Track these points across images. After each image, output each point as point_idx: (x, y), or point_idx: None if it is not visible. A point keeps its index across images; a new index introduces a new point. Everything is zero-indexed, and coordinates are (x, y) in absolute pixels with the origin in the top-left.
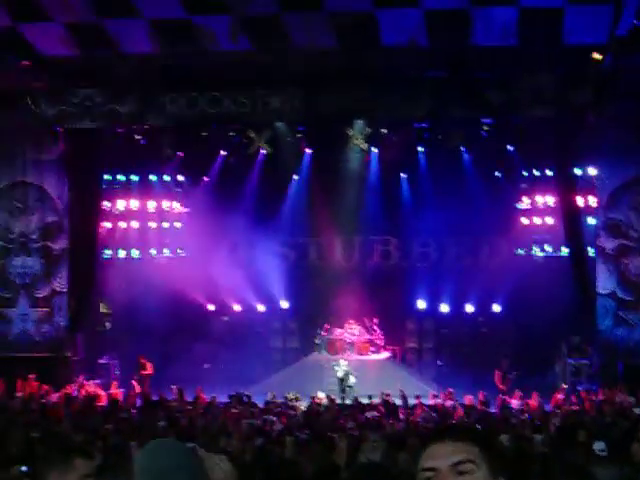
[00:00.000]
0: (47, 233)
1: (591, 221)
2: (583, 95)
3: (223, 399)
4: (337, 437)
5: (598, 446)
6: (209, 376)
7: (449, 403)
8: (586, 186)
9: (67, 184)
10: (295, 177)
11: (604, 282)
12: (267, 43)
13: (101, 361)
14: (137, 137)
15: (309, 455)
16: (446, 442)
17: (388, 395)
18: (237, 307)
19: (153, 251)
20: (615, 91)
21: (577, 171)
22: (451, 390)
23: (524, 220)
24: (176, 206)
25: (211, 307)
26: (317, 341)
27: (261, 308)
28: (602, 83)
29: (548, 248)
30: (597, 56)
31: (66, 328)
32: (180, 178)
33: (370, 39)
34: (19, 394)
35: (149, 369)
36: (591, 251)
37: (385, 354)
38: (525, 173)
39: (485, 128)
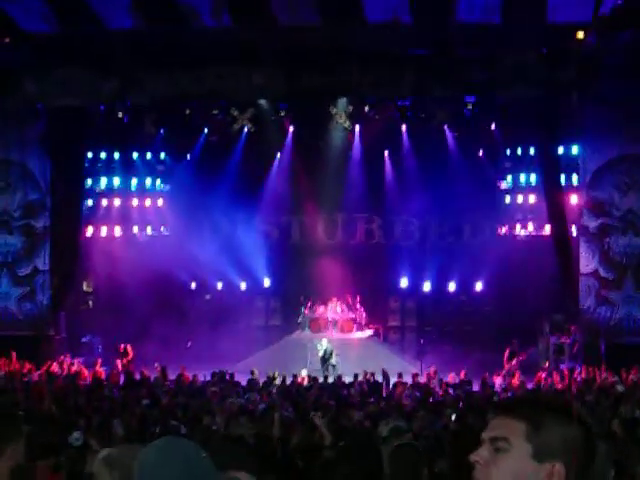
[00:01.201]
0: (29, 211)
1: (574, 200)
2: (567, 74)
3: (206, 378)
4: (314, 415)
5: None
6: (192, 354)
7: (432, 381)
8: (569, 165)
9: (50, 162)
10: (278, 155)
11: (587, 261)
12: (250, 20)
13: (84, 339)
14: (120, 115)
15: (294, 433)
16: (498, 416)
17: (372, 374)
18: (219, 285)
19: (135, 229)
20: (599, 70)
21: (560, 150)
22: (434, 368)
23: (507, 199)
24: (158, 184)
25: (193, 285)
26: (300, 319)
27: (243, 286)
28: (586, 62)
29: (531, 227)
30: (581, 35)
31: (48, 306)
32: (162, 156)
33: (354, 16)
34: (1, 372)
35: (130, 354)
36: (574, 230)
37: (368, 332)
38: (508, 152)
39: (468, 107)
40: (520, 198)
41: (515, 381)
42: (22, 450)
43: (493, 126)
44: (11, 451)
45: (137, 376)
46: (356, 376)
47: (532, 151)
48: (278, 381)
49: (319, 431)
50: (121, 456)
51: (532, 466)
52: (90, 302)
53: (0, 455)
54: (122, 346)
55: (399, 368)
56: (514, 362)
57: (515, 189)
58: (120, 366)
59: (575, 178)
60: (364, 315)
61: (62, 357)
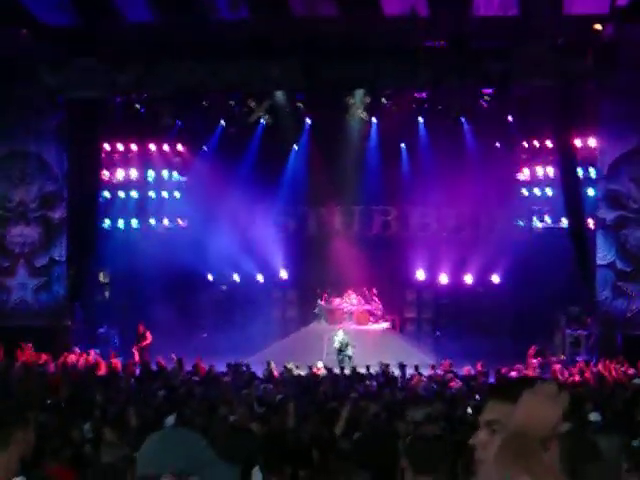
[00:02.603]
0: (46, 202)
1: (591, 192)
2: (584, 65)
3: (222, 368)
4: (339, 406)
5: (593, 417)
6: (208, 345)
7: (447, 374)
8: (586, 157)
9: (66, 153)
10: (295, 146)
11: (603, 253)
12: (267, 11)
13: (100, 331)
14: (137, 106)
15: (309, 424)
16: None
17: (387, 365)
18: (236, 277)
19: (152, 221)
20: (616, 61)
21: (577, 142)
22: (449, 361)
23: (524, 191)
24: (175, 175)
25: (210, 277)
26: (316, 311)
27: (260, 278)
28: (603, 53)
29: (548, 219)
30: (598, 26)
31: (65, 297)
32: (179, 147)
33: (371, 8)
34: (18, 363)
35: (149, 338)
36: (591, 222)
37: (384, 324)
38: (525, 144)
39: (485, 98)
40: (537, 190)
41: (531, 373)
42: (32, 437)
43: (510, 118)
44: (20, 437)
45: (153, 367)
46: (368, 368)
47: (549, 143)
48: (294, 372)
49: (338, 421)
50: None
51: None
52: (106, 293)
53: (9, 441)
54: (141, 328)
55: (415, 360)
56: (535, 361)
57: (532, 181)
58: (137, 352)
59: (592, 170)
60: (380, 307)
61: (78, 348)
